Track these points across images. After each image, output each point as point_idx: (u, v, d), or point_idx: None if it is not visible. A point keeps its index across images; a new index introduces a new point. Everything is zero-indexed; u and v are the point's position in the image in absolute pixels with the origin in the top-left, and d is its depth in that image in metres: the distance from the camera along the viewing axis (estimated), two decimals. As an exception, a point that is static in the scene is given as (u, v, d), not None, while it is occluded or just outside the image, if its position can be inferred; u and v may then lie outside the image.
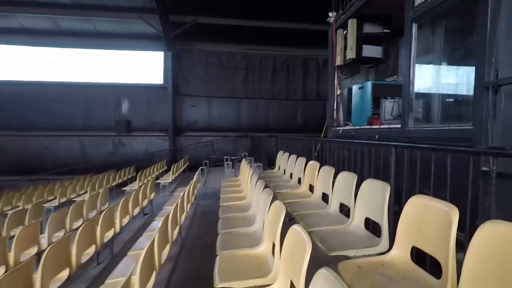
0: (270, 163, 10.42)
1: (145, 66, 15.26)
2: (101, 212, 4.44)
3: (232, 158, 12.03)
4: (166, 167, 13.57)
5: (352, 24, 4.88)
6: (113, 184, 10.64)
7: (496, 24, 2.19)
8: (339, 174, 3.29)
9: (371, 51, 5.01)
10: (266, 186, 5.62)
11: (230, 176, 9.36)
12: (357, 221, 2.75)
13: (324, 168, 3.83)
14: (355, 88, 5.32)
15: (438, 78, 3.94)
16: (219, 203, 4.53)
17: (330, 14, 5.73)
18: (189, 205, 5.12)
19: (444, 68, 4.26)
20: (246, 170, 5.52)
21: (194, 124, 15.51)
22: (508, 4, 2.22)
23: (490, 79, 2.19)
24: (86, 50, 14.84)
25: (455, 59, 4.02)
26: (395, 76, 6.40)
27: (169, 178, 9.56)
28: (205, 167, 11.93)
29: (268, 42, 14.94)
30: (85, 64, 14.96)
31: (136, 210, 5.44)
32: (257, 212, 3.52)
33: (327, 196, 3.78)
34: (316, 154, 5.35)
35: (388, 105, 4.13)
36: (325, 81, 16.20)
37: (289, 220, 3.74)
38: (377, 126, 3.82)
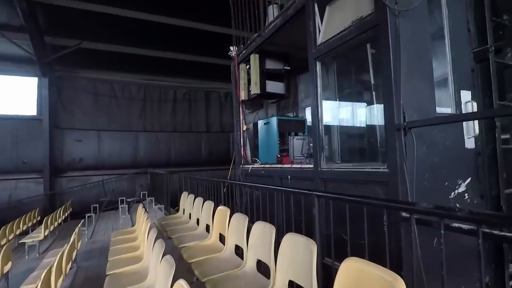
0: (173, 203, 9.44)
1: (10, 94, 12.38)
2: None
3: (129, 200, 10.46)
4: (39, 218, 10.83)
5: (254, 59, 4.80)
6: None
7: (398, 68, 2.21)
8: (255, 225, 2.86)
9: (274, 86, 5.01)
10: (168, 237, 4.80)
11: (125, 224, 7.97)
12: (279, 284, 2.33)
13: (236, 216, 3.35)
14: (260, 123, 5.17)
15: (342, 115, 4.11)
16: (107, 268, 3.52)
17: (231, 48, 5.58)
18: (61, 279, 3.83)
19: (345, 105, 4.48)
20: (143, 220, 4.59)
21: (80, 162, 13.16)
22: (406, 49, 2.28)
23: (400, 121, 2.16)
24: None
25: (356, 97, 4.26)
26: (293, 112, 6.64)
27: (40, 234, 7.47)
28: (93, 214, 9.98)
29: (168, 72, 14.28)
30: None
31: (-25, 297, 3.79)
32: (156, 284, 2.75)
33: (241, 248, 3.29)
34: (225, 190, 4.87)
35: (297, 143, 4.04)
36: (227, 114, 16.35)
37: (198, 280, 3.10)
38: (289, 166, 3.62)
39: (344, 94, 4.51)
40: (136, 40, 11.78)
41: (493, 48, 2.62)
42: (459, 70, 2.62)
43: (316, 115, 3.03)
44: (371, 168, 2.36)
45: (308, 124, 5.09)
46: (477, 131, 2.50)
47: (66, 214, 11.04)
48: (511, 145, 2.68)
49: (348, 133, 4.59)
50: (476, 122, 2.50)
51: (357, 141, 4.66)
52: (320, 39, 3.08)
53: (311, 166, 3.15)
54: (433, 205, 1.39)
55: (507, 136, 2.69)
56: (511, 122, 2.70)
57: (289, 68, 5.16)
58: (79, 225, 6.22)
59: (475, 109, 2.54)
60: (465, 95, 2.61)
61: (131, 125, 14.13)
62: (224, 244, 3.56)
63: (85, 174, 13.11)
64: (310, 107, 6.27)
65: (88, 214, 9.27)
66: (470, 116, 2.34)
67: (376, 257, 1.88)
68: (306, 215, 2.47)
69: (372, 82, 3.93)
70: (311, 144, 3.89)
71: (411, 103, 2.24)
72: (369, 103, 4.20)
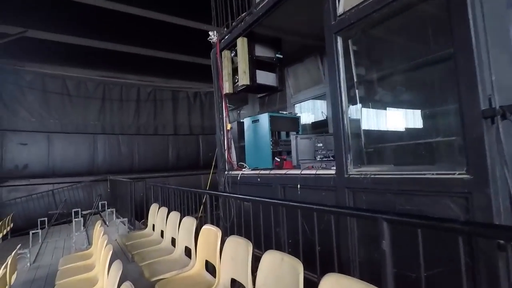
0: (139, 215, 8.30)
1: None
2: None
3: (84, 212, 9.06)
4: (-30, 237, 9.04)
5: (242, 43, 4.01)
6: None
7: (481, 34, 1.57)
8: (265, 256, 2.07)
9: (265, 77, 4.25)
10: (132, 260, 3.85)
11: (80, 243, 6.72)
12: None
13: (232, 240, 2.53)
14: (247, 121, 4.40)
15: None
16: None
17: (210, 33, 4.76)
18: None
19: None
20: (103, 246, 3.57)
21: (24, 169, 11.36)
22: (482, 11, 1.65)
23: (489, 105, 1.52)
24: None
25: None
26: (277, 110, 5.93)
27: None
28: (40, 230, 8.47)
29: (130, 69, 12.94)
30: None
31: None
32: None
33: (237, 282, 2.49)
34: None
35: (302, 143, 3.31)
36: (196, 115, 15.30)
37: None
38: (297, 172, 2.88)
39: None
40: (93, 31, 10.40)
41: None
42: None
43: (338, 106, 2.32)
44: (437, 174, 1.70)
45: (303, 122, 4.42)
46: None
47: (5, 231, 9.34)
48: None
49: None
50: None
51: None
52: (341, 7, 2.40)
53: (331, 172, 2.44)
54: None
55: None
56: None
57: (281, 56, 4.44)
58: (17, 248, 4.94)
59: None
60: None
61: (88, 127, 12.57)
62: (214, 276, 2.73)
63: (31, 183, 11.34)
64: (301, 104, 5.64)
65: (34, 231, 7.80)
66: None
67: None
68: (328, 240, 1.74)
69: (355, 79, 3.59)
70: (319, 145, 3.19)
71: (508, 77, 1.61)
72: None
